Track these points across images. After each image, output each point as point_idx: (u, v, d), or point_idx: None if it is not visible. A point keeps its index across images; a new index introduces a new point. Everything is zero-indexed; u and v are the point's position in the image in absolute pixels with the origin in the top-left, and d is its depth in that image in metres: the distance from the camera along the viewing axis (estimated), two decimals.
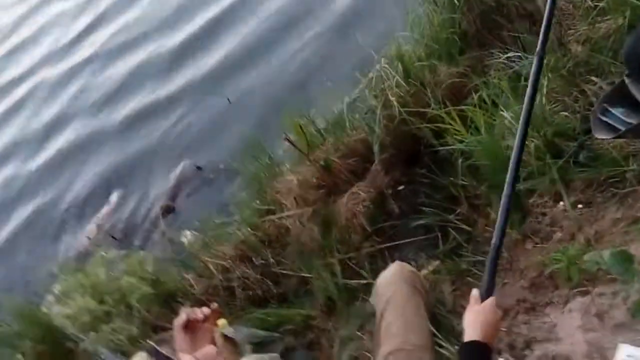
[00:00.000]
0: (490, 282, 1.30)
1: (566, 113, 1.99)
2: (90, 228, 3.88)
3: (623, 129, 1.71)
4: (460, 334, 1.74)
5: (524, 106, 1.45)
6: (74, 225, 4.09)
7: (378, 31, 3.25)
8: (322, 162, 2.45)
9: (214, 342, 1.27)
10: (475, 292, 1.31)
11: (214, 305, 1.37)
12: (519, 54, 2.19)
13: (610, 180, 1.81)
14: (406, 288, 1.69)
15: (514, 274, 1.86)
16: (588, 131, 1.89)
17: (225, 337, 2.12)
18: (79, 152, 4.82)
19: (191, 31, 5.18)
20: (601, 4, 2.11)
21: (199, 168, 3.81)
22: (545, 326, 1.65)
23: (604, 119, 1.78)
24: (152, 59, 5.24)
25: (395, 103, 2.33)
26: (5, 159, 5.43)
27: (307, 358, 2.20)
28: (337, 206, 2.40)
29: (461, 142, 2.13)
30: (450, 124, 2.16)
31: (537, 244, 1.89)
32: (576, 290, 1.65)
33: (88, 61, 6.00)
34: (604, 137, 1.79)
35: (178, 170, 3.85)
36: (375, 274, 2.00)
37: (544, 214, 1.93)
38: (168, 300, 2.54)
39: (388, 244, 2.30)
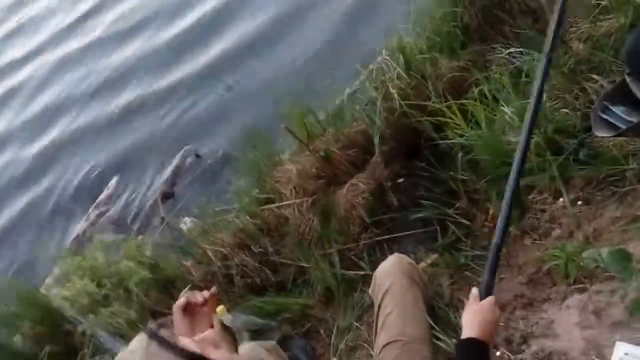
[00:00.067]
0: (490, 281, 1.32)
1: (567, 110, 1.99)
2: (90, 212, 3.88)
3: (623, 127, 1.72)
4: (457, 326, 1.78)
5: (529, 113, 1.44)
6: (74, 209, 4.10)
7: (380, 23, 3.24)
8: (322, 153, 2.46)
9: (212, 327, 1.28)
10: (474, 291, 1.32)
11: (214, 289, 1.37)
12: (521, 49, 2.19)
13: (610, 179, 1.82)
14: (404, 280, 1.70)
15: (512, 270, 1.87)
16: (588, 129, 1.90)
17: (223, 325, 2.14)
18: (79, 138, 4.83)
19: (193, 21, 5.15)
20: (603, 2, 2.11)
21: (198, 156, 3.81)
22: (543, 322, 1.67)
23: (605, 116, 1.79)
24: (153, 47, 5.24)
25: (395, 95, 2.33)
26: (5, 144, 5.43)
27: (305, 347, 2.22)
28: (337, 197, 2.41)
29: (461, 136, 2.13)
30: (451, 118, 2.16)
31: (535, 240, 1.90)
32: (574, 287, 1.66)
33: (89, 47, 5.99)
34: (604, 135, 1.80)
35: (177, 157, 3.86)
36: (373, 265, 2.02)
37: (543, 211, 1.94)
38: (167, 286, 2.55)
39: (387, 236, 2.31)
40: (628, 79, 1.74)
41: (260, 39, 4.40)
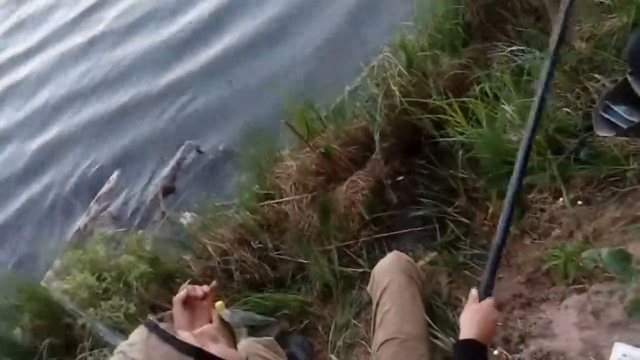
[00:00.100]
0: (490, 281, 1.31)
1: (568, 109, 1.98)
2: (91, 207, 3.89)
3: (625, 126, 1.71)
4: (454, 325, 1.78)
5: (533, 113, 1.44)
6: (75, 204, 4.11)
7: (382, 20, 3.23)
8: (322, 149, 2.45)
9: (211, 322, 1.28)
10: (474, 292, 1.32)
11: (214, 283, 1.38)
12: (523, 48, 2.18)
13: (611, 179, 1.81)
14: (403, 277, 1.70)
15: (510, 269, 1.87)
16: (589, 128, 1.89)
17: (222, 320, 2.14)
18: (80, 133, 4.84)
19: (195, 18, 5.14)
20: (607, 2, 2.10)
21: (200, 151, 3.81)
22: (541, 322, 1.66)
23: (606, 116, 1.78)
24: (156, 44, 5.24)
25: (397, 92, 2.32)
26: (7, 139, 5.45)
27: (303, 343, 2.22)
28: (336, 194, 2.41)
29: (462, 134, 2.12)
30: (452, 116, 2.15)
31: (535, 239, 1.90)
32: (573, 287, 1.66)
33: (91, 43, 5.99)
34: (605, 135, 1.79)
35: (179, 152, 3.86)
36: (372, 262, 2.02)
37: (542, 210, 1.93)
38: (166, 280, 2.56)
39: (386, 234, 2.31)
40: (630, 79, 1.73)
41: (263, 36, 4.39)
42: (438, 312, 1.88)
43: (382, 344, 1.59)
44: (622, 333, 1.47)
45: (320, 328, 2.25)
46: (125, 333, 2.32)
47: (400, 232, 2.30)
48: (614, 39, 2.02)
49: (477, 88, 2.16)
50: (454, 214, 2.15)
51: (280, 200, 2.50)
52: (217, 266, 2.49)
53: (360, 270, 2.24)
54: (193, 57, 4.72)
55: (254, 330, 2.21)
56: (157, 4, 5.77)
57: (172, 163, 3.81)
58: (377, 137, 2.36)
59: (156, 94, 4.63)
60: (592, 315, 1.57)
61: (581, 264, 1.62)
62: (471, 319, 1.26)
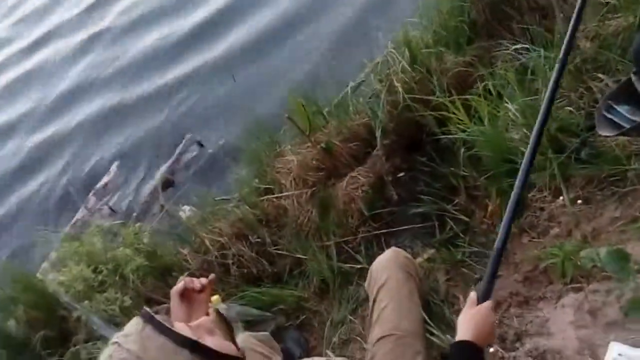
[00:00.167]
0: (489, 285, 1.28)
1: (571, 109, 1.98)
2: (89, 199, 3.89)
3: (627, 126, 1.70)
4: (451, 322, 1.78)
5: (538, 122, 1.42)
6: (73, 196, 4.11)
7: (387, 17, 3.22)
8: (323, 144, 2.45)
9: (208, 314, 1.27)
10: (472, 294, 1.30)
11: (212, 276, 1.36)
12: (527, 46, 2.17)
13: (611, 179, 1.80)
14: (401, 274, 1.69)
15: (508, 267, 1.86)
16: (591, 128, 1.88)
17: (219, 313, 2.13)
18: (82, 127, 4.85)
19: (202, 15, 5.16)
20: (612, 1, 2.09)
21: (201, 144, 3.81)
22: (537, 320, 1.65)
23: (609, 116, 1.77)
24: (160, 40, 5.26)
25: (400, 89, 2.31)
26: (9, 132, 5.48)
27: (299, 339, 2.21)
28: (336, 189, 2.40)
29: (464, 131, 2.12)
30: (454, 113, 2.15)
31: (533, 238, 1.89)
32: (570, 286, 1.65)
33: (99, 36, 6.01)
34: (607, 135, 1.78)
35: (179, 145, 3.86)
36: (370, 259, 2.01)
37: (542, 209, 1.92)
38: (163, 274, 2.55)
39: (385, 230, 2.31)
40: (634, 78, 1.72)
41: (267, 33, 4.41)
42: (435, 309, 1.87)
43: (378, 340, 1.58)
44: (618, 332, 1.47)
45: (316, 324, 2.24)
46: (120, 326, 2.29)
47: (399, 228, 2.30)
48: (619, 39, 2.01)
49: (481, 86, 2.15)
50: (453, 212, 2.14)
51: (280, 195, 2.49)
52: (214, 260, 2.48)
53: (358, 266, 2.24)
54: (195, 54, 4.75)
55: (250, 325, 2.20)
56: (161, 1, 5.78)
57: (172, 156, 3.80)
58: (378, 133, 2.35)
59: (157, 89, 4.65)
60: (589, 314, 1.56)
61: (579, 263, 1.62)
62: (468, 321, 1.24)
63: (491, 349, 1.66)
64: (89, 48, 5.94)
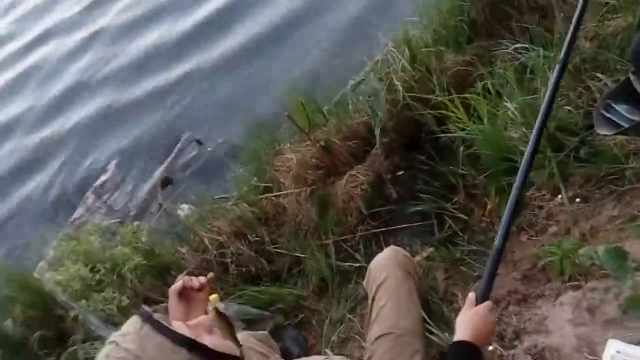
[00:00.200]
0: (488, 285, 1.29)
1: (569, 108, 1.98)
2: (87, 197, 3.88)
3: (626, 125, 1.70)
4: (450, 321, 1.78)
5: (537, 123, 1.43)
6: (72, 194, 4.10)
7: (388, 16, 3.22)
8: (322, 143, 2.44)
9: (207, 313, 1.27)
10: (471, 295, 1.30)
11: (211, 274, 1.36)
12: (527, 45, 2.17)
13: (610, 177, 1.81)
14: (399, 272, 1.69)
15: (507, 265, 1.86)
16: (590, 127, 1.88)
17: (218, 313, 2.13)
18: (80, 126, 4.86)
19: (203, 15, 5.16)
20: (612, 2, 2.09)
21: (200, 142, 3.80)
22: (536, 318, 1.65)
23: (607, 115, 1.77)
24: (160, 39, 5.27)
25: (399, 87, 2.32)
26: (7, 132, 5.47)
27: (297, 337, 2.21)
28: (335, 188, 2.40)
29: (463, 130, 2.12)
30: (454, 112, 2.15)
31: (531, 236, 1.89)
32: (568, 284, 1.65)
33: (98, 35, 6.03)
34: (606, 134, 1.79)
35: (178, 144, 3.85)
36: (369, 257, 2.01)
37: (540, 207, 1.93)
38: (161, 273, 2.55)
39: (383, 229, 2.31)
40: (632, 78, 1.73)
41: (268, 31, 4.41)
42: (434, 307, 1.87)
43: (377, 338, 1.58)
44: (616, 330, 1.47)
45: (315, 322, 2.24)
46: (117, 326, 2.30)
47: (398, 227, 2.30)
48: (618, 39, 2.02)
49: (480, 85, 2.16)
50: (452, 210, 2.14)
51: (279, 193, 2.49)
52: (213, 259, 2.48)
53: (357, 264, 2.24)
54: (195, 53, 4.75)
55: (249, 324, 2.20)
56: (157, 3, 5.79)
57: (171, 155, 3.80)
58: (378, 131, 2.36)
59: (156, 88, 4.66)
60: (587, 312, 1.56)
61: (577, 261, 1.63)
62: (467, 321, 1.25)
63: (490, 347, 1.66)
64: (88, 46, 5.95)
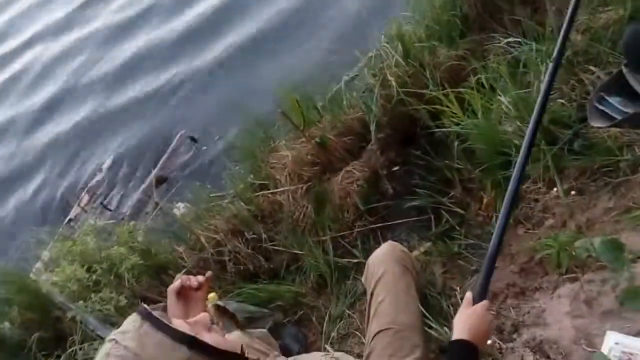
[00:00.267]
0: (485, 285, 1.30)
1: (563, 101, 1.99)
2: (82, 197, 3.86)
3: (619, 118, 1.72)
4: (449, 315, 1.79)
5: (532, 120, 1.43)
6: (67, 193, 4.08)
7: (380, 10, 3.21)
8: (317, 139, 2.45)
9: (206, 312, 1.27)
10: (469, 294, 1.31)
11: (209, 273, 1.36)
12: (519, 39, 2.18)
13: (604, 169, 1.82)
14: (397, 268, 1.69)
15: (504, 259, 1.87)
16: (583, 120, 1.90)
17: (218, 309, 2.13)
18: (75, 126, 4.84)
19: (198, 14, 5.14)
20: None
21: (193, 140, 3.79)
22: (534, 311, 1.67)
23: (601, 107, 1.78)
24: (158, 37, 5.25)
25: (393, 83, 2.32)
26: (5, 131, 5.44)
27: (297, 334, 2.21)
28: (331, 184, 2.41)
29: (458, 124, 2.13)
30: (448, 107, 2.16)
31: (528, 229, 1.91)
32: (565, 276, 1.67)
33: (93, 35, 6.01)
34: (599, 126, 1.80)
35: (173, 142, 3.84)
36: (367, 253, 2.02)
37: (536, 200, 1.94)
38: (158, 272, 2.54)
39: (381, 224, 2.32)
40: (625, 70, 1.74)
41: (263, 29, 4.41)
42: (432, 302, 1.88)
43: (376, 334, 1.58)
44: (614, 321, 1.48)
45: (314, 319, 2.24)
46: (115, 326, 2.29)
47: (395, 222, 2.31)
48: (610, 31, 2.03)
49: (474, 79, 2.17)
50: (448, 204, 2.15)
51: (275, 190, 2.49)
52: (210, 257, 2.48)
53: (355, 260, 2.24)
54: (190, 53, 4.73)
55: (248, 321, 2.20)
56: (153, 2, 5.76)
57: (166, 153, 3.79)
58: (373, 127, 2.36)
59: (151, 87, 4.65)
60: (585, 304, 1.57)
61: (574, 254, 1.64)
62: (465, 321, 1.26)
63: (489, 341, 1.67)
64: (83, 46, 5.92)
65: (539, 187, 1.95)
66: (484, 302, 1.28)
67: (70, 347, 2.42)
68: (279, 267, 2.43)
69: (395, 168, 2.43)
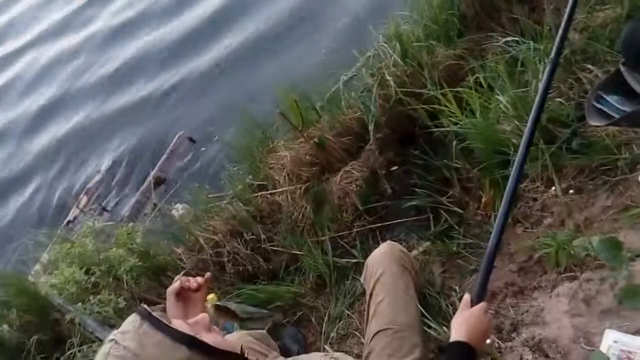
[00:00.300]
0: (483, 286, 1.30)
1: (561, 99, 1.99)
2: (80, 199, 3.86)
3: (617, 116, 1.71)
4: (448, 314, 1.78)
5: (530, 119, 1.43)
6: (65, 195, 4.08)
7: (378, 10, 3.22)
8: (316, 140, 2.45)
9: (205, 313, 1.27)
10: (466, 296, 1.31)
11: (208, 274, 1.36)
12: (517, 38, 2.18)
13: (602, 168, 1.82)
14: (396, 268, 1.69)
15: (503, 258, 1.87)
16: (582, 118, 1.89)
17: (218, 308, 2.12)
18: (76, 125, 4.82)
19: (195, 17, 5.13)
20: None
21: (192, 141, 3.78)
22: (533, 310, 1.67)
23: (599, 106, 1.78)
24: (156, 39, 5.26)
25: (391, 82, 2.32)
26: (3, 134, 5.43)
27: (296, 335, 2.21)
28: (330, 184, 2.41)
29: (456, 124, 2.12)
30: (446, 106, 2.15)
31: (527, 228, 1.91)
32: (564, 275, 1.67)
33: (92, 37, 6.01)
34: (597, 124, 1.79)
35: (171, 143, 3.84)
36: (365, 253, 2.02)
37: (534, 199, 1.94)
38: (157, 274, 2.54)
39: (379, 224, 2.32)
40: (623, 69, 1.74)
41: (261, 30, 4.40)
42: (431, 301, 1.88)
43: (375, 334, 1.58)
44: (612, 320, 1.48)
45: (313, 319, 2.24)
46: (114, 328, 2.28)
47: (394, 222, 2.31)
48: (608, 30, 2.03)
49: (472, 78, 2.16)
50: (447, 204, 2.15)
51: (274, 191, 2.49)
52: (209, 258, 2.48)
53: (354, 260, 2.24)
54: (189, 54, 4.74)
55: (247, 322, 2.20)
56: (152, 4, 5.75)
57: (164, 154, 3.78)
58: (371, 127, 2.36)
59: (149, 88, 4.66)
60: (583, 302, 1.57)
61: (572, 252, 1.64)
62: (462, 323, 1.26)
63: (488, 340, 1.67)
64: (82, 48, 5.93)
65: (538, 186, 1.95)
66: (482, 304, 1.28)
67: (69, 349, 2.41)
68: (278, 267, 2.43)
69: (394, 168, 2.43)
